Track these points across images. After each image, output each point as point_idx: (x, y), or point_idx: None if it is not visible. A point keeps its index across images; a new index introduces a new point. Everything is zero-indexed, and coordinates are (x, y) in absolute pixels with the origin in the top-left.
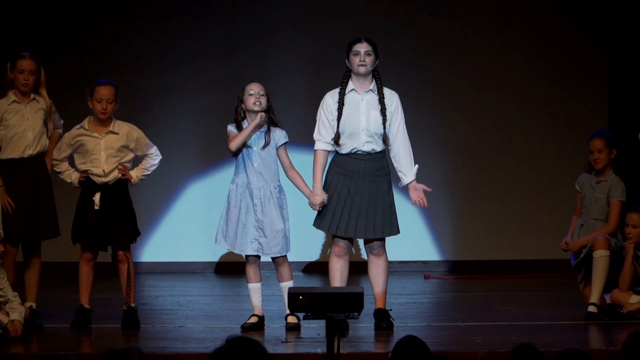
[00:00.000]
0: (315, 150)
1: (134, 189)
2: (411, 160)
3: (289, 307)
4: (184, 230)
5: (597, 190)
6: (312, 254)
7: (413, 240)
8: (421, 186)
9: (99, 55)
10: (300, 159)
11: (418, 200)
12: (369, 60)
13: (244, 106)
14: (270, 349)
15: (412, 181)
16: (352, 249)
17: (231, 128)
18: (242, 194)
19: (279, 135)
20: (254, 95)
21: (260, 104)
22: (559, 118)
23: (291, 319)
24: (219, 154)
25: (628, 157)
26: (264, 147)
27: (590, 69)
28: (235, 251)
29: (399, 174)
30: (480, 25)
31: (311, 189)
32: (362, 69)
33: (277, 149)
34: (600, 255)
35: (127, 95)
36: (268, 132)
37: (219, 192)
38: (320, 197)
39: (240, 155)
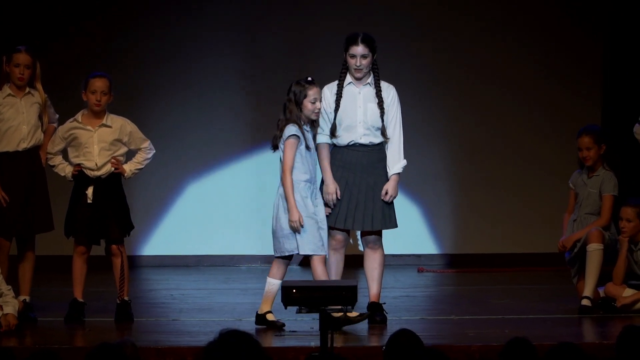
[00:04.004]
0: (317, 144)
1: (137, 184)
2: (399, 154)
3: (282, 301)
4: (182, 225)
5: (589, 185)
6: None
7: (406, 233)
8: (391, 187)
9: (96, 50)
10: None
11: (388, 192)
12: (364, 62)
13: (301, 109)
14: (264, 342)
15: (394, 174)
16: (351, 240)
17: (294, 131)
18: (308, 191)
19: None
20: (316, 104)
21: (319, 113)
22: (554, 111)
23: (270, 317)
24: (219, 150)
25: (622, 150)
26: None
27: (584, 61)
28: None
29: (387, 164)
30: (476, 18)
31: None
32: (358, 74)
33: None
34: (594, 249)
35: (126, 89)
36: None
37: (216, 187)
38: (333, 185)
39: (299, 155)
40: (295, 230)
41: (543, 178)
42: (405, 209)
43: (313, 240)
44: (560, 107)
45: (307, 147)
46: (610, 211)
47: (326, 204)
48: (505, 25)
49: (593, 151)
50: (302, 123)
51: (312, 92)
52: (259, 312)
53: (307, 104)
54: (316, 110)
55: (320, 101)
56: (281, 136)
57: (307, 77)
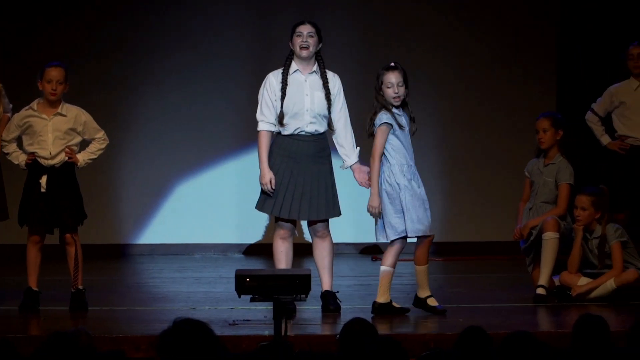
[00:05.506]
0: (258, 131)
1: (86, 173)
2: (353, 141)
3: (236, 290)
4: (134, 214)
5: (545, 174)
6: (254, 236)
7: (361, 221)
8: (365, 168)
9: (83, 43)
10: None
11: (364, 182)
12: (311, 41)
13: (383, 95)
14: (218, 330)
15: (355, 162)
16: (296, 233)
17: (385, 119)
18: (413, 178)
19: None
20: (393, 89)
21: (398, 97)
22: (508, 102)
23: (431, 302)
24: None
25: (576, 139)
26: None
27: (538, 53)
28: (430, 233)
29: (343, 155)
30: (434, 7)
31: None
32: (304, 52)
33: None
34: (550, 237)
35: (115, 83)
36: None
37: (170, 176)
38: (268, 175)
39: (398, 142)
40: (374, 216)
41: (495, 166)
42: (359, 197)
43: (419, 221)
44: (514, 99)
45: (401, 127)
46: (566, 200)
47: (264, 193)
48: (458, 14)
49: (549, 133)
50: (391, 107)
51: (386, 78)
52: (382, 302)
53: (386, 90)
54: (394, 95)
55: (401, 85)
56: (373, 124)
57: (389, 63)
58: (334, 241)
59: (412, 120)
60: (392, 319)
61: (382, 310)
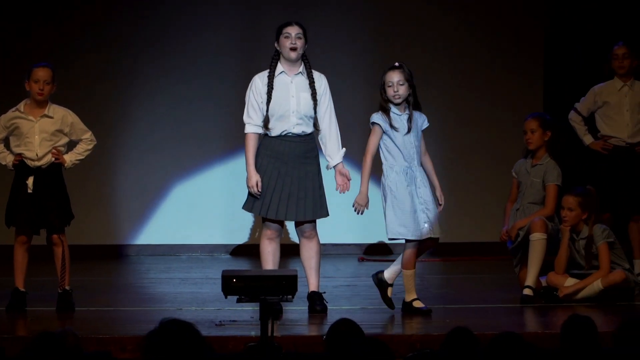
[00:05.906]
0: (245, 133)
1: (77, 172)
2: (338, 142)
3: (222, 290)
4: (120, 215)
5: (532, 174)
6: (240, 237)
7: (347, 222)
8: (346, 171)
9: (80, 42)
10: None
11: (342, 185)
12: (299, 43)
13: (384, 95)
14: (204, 331)
15: (338, 164)
16: (281, 233)
17: (374, 118)
18: (403, 180)
19: (423, 119)
20: (393, 88)
21: (398, 96)
22: (508, 102)
23: (417, 304)
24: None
25: (562, 138)
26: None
27: (526, 52)
28: (416, 237)
29: (326, 156)
30: (434, 7)
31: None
32: (293, 54)
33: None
34: (537, 238)
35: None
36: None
37: (156, 176)
38: (255, 178)
39: (391, 143)
40: (358, 212)
41: (495, 167)
42: (346, 198)
43: (401, 224)
44: (515, 99)
45: (394, 128)
46: (554, 201)
47: (251, 194)
48: (458, 14)
49: (537, 134)
50: (389, 108)
51: (387, 77)
52: (404, 300)
53: (387, 89)
54: (393, 94)
55: (401, 84)
56: None
57: (394, 63)
58: (337, 242)
59: (409, 119)
60: (379, 319)
61: (403, 308)
